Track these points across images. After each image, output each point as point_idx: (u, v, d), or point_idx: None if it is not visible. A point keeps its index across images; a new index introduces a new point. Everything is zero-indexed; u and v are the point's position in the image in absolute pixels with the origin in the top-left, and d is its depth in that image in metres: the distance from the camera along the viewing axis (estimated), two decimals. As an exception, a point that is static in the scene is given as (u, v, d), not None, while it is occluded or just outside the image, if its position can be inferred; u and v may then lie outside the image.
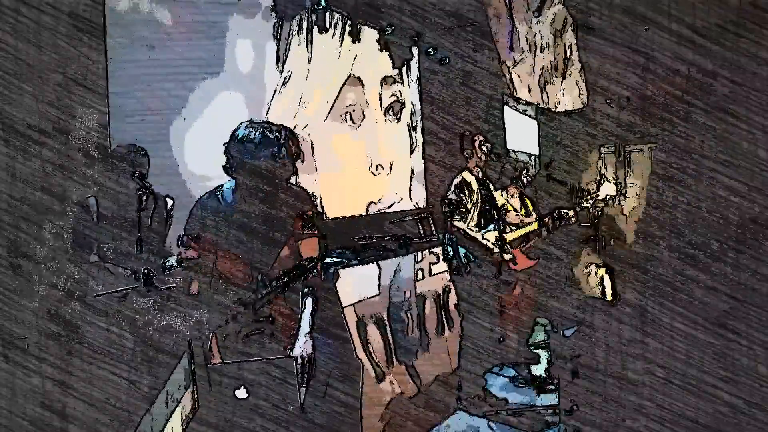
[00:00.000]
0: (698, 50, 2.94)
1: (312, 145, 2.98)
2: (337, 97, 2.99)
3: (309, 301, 2.93)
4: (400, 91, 3.00)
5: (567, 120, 2.98)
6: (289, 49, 2.95)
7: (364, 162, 3.01)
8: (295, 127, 2.97)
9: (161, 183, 2.90)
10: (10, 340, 2.90)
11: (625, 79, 2.95)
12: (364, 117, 3.01)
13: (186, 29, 2.91)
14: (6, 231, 2.88)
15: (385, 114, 3.01)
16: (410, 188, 3.02)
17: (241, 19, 2.92)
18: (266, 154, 2.93)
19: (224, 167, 2.92)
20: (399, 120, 3.01)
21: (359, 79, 2.99)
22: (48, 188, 2.88)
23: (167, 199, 2.90)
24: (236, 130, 2.92)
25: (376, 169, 3.01)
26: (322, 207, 2.98)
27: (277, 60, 2.95)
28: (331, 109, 2.99)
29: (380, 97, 3.01)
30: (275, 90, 2.95)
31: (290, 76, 2.95)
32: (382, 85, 3.00)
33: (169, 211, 2.90)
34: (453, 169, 2.99)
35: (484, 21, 2.96)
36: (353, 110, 2.99)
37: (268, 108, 2.94)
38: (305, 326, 2.92)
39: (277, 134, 2.93)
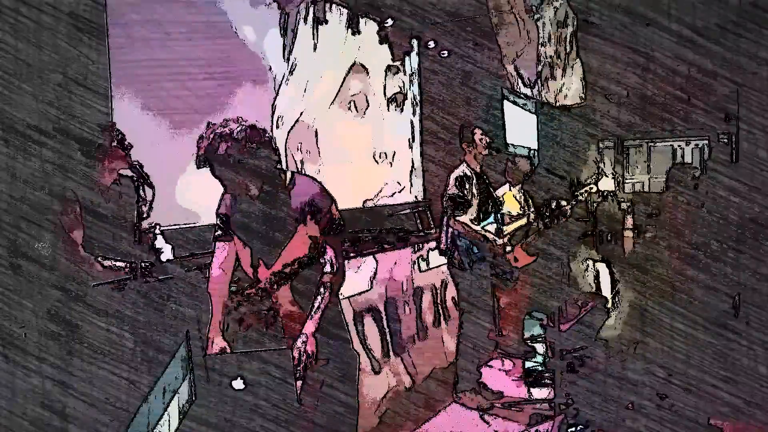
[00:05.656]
0: (698, 50, 2.93)
1: (316, 133, 2.97)
2: (342, 85, 2.99)
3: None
4: (403, 82, 3.00)
5: (567, 120, 2.98)
6: (296, 38, 2.94)
7: (367, 150, 3.01)
8: (301, 115, 2.96)
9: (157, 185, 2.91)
10: (10, 340, 2.90)
11: (625, 78, 2.95)
12: (368, 105, 3.00)
13: (186, 29, 2.91)
14: (6, 231, 2.88)
15: (388, 104, 3.01)
16: (411, 179, 3.02)
17: (246, 11, 2.92)
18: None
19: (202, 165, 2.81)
20: (402, 111, 3.01)
21: (364, 67, 2.99)
22: (48, 188, 2.88)
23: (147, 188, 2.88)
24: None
25: (380, 157, 3.01)
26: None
27: (284, 49, 2.94)
28: (335, 97, 2.99)
29: (384, 87, 3.01)
30: (282, 79, 2.94)
31: (296, 65, 2.95)
32: (386, 75, 3.00)
33: (149, 200, 2.88)
34: (453, 169, 2.99)
35: (483, 20, 2.95)
36: (357, 99, 2.99)
37: (275, 97, 2.93)
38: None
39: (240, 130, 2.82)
